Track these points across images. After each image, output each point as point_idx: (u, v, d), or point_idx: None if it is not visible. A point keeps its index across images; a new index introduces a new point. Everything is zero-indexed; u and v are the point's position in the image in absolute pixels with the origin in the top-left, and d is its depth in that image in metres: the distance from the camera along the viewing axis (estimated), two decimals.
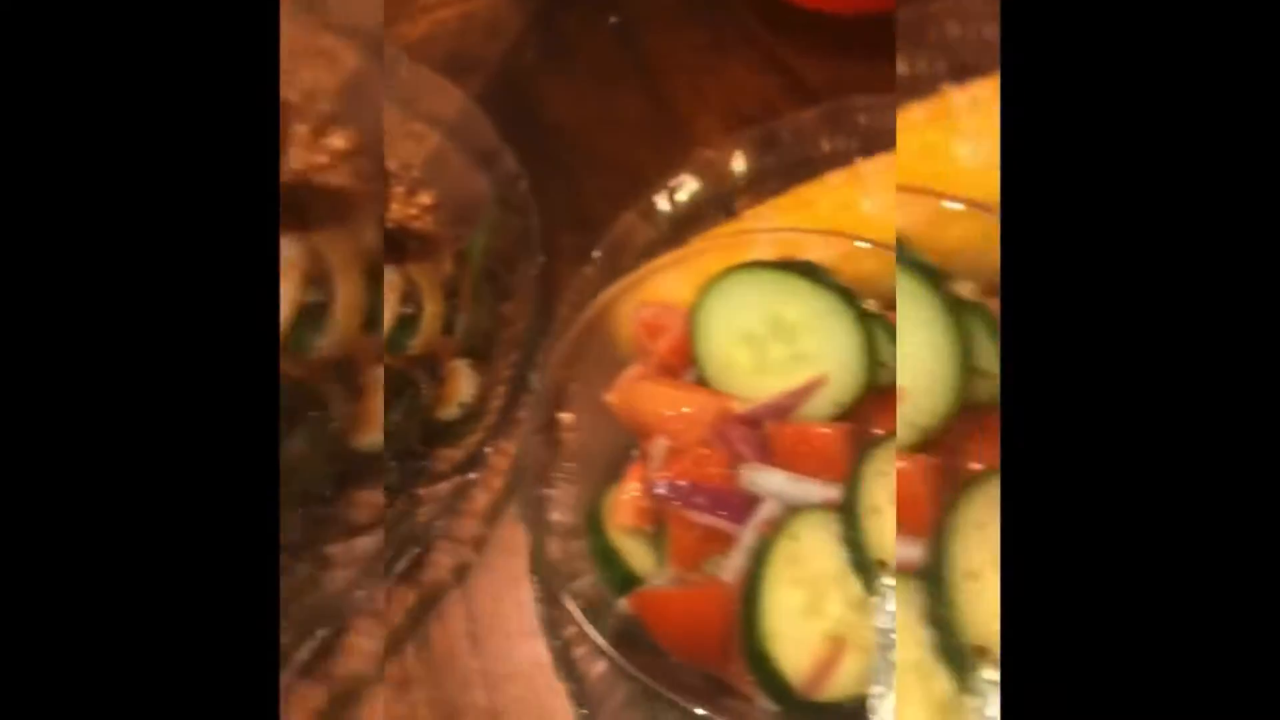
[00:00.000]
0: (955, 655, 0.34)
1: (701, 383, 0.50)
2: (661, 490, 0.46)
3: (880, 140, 0.65)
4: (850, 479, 0.45)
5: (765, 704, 0.44)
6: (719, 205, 0.65)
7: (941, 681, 0.33)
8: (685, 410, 0.49)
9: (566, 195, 0.70)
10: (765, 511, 0.46)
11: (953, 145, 0.45)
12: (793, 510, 0.46)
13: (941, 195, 0.42)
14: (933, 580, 0.35)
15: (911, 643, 0.34)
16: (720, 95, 0.76)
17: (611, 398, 0.52)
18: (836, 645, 0.43)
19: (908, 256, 0.42)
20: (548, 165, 0.70)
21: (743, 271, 0.50)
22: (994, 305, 0.39)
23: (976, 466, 0.38)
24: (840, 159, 0.63)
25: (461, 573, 0.58)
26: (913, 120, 0.48)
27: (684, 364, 0.51)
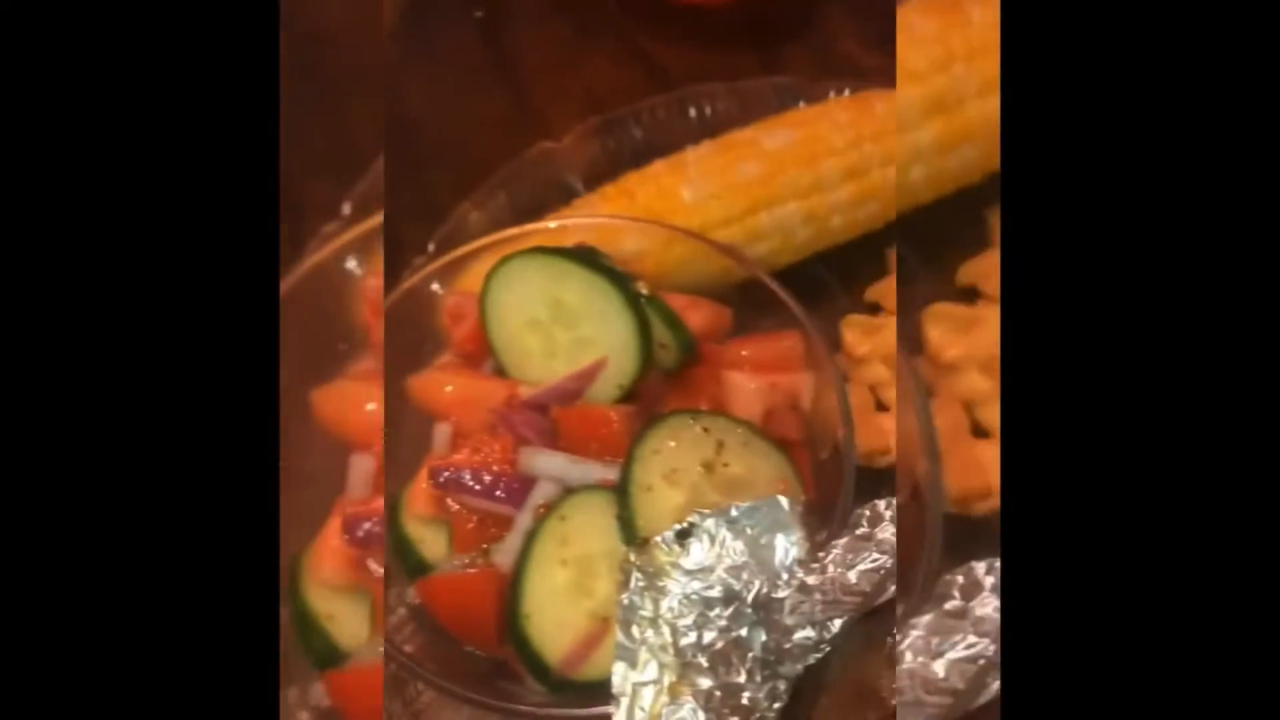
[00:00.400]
0: (630, 540, 0.44)
1: (498, 370, 0.51)
2: (442, 477, 0.46)
3: (716, 127, 0.65)
4: (625, 458, 0.45)
5: (533, 684, 0.44)
6: (560, 194, 0.65)
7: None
8: (471, 396, 0.49)
9: (416, 189, 0.70)
10: (541, 494, 0.46)
11: (680, 189, 0.57)
12: (567, 491, 0.46)
13: (667, 224, 0.55)
14: (621, 491, 0.45)
15: (609, 531, 0.45)
16: (580, 87, 0.76)
17: (411, 386, 0.52)
18: (603, 624, 0.44)
19: (603, 264, 0.50)
20: (400, 160, 0.70)
21: (519, 259, 0.50)
22: (668, 299, 0.51)
23: (662, 411, 0.48)
24: (677, 147, 0.63)
25: None
26: (654, 171, 0.59)
27: (483, 351, 0.51)
